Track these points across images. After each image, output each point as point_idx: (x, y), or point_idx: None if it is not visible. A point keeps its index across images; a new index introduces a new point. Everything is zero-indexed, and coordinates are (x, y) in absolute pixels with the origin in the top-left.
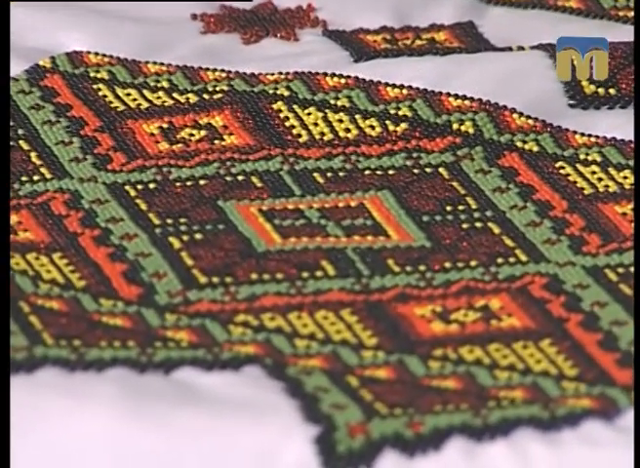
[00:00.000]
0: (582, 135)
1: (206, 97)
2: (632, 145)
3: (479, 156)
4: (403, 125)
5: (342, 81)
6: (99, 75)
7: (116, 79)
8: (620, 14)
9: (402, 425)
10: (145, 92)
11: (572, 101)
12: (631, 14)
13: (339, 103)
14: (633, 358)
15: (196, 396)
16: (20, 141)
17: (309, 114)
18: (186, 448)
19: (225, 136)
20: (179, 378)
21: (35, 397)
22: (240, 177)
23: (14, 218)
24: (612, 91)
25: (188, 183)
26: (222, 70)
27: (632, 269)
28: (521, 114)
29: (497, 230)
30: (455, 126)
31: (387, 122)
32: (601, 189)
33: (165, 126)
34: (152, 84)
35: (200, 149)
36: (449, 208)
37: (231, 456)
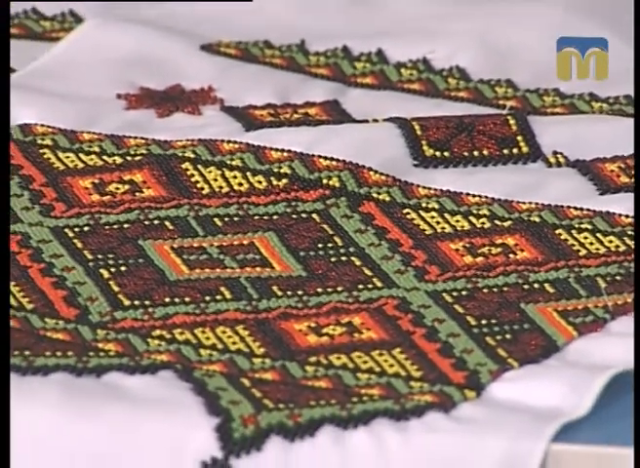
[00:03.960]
0: (424, 187)
1: (129, 158)
2: (462, 196)
3: (344, 204)
4: (284, 180)
5: (236, 146)
6: (44, 142)
7: (58, 145)
8: (452, 94)
9: (285, 416)
10: (81, 155)
11: (415, 162)
12: (460, 94)
13: (233, 163)
14: (467, 362)
15: (121, 394)
16: None
17: (210, 172)
18: (113, 435)
19: (144, 190)
20: (108, 381)
21: None
22: (156, 222)
23: None
24: (446, 154)
25: (115, 227)
26: (142, 138)
27: (464, 293)
28: (376, 172)
29: (358, 262)
30: (324, 181)
31: (272, 178)
32: (439, 230)
33: (96, 181)
34: (86, 149)
35: (124, 200)
36: (320, 245)
37: (149, 442)
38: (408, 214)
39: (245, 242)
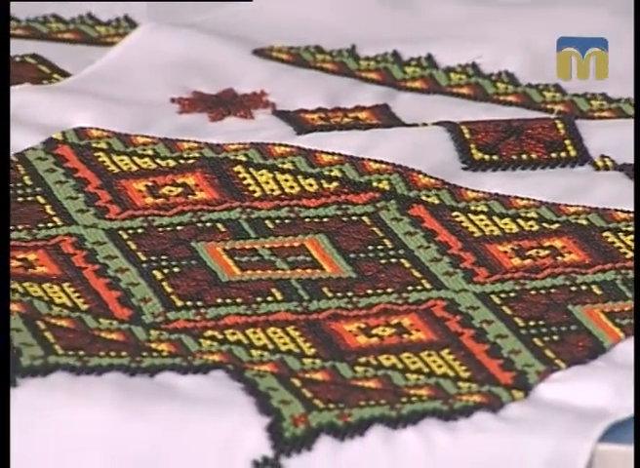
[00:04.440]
0: (473, 191)
1: (182, 162)
2: (510, 199)
3: (393, 207)
4: (334, 183)
5: (287, 149)
6: (99, 145)
7: (112, 148)
8: (500, 98)
9: (335, 416)
10: (135, 158)
11: (464, 165)
12: (509, 98)
13: (285, 167)
14: (515, 363)
15: (174, 394)
16: (38, 197)
17: (262, 175)
18: (166, 434)
19: (197, 192)
20: (160, 380)
21: (49, 395)
22: (208, 224)
23: (32, 256)
24: (495, 157)
25: (168, 229)
26: (194, 141)
27: (512, 294)
28: (425, 175)
29: (407, 264)
30: (374, 184)
31: (322, 181)
32: (487, 233)
33: (150, 184)
34: (140, 152)
35: (177, 202)
36: (370, 247)
37: (201, 441)
38: (457, 216)
39: (296, 244)
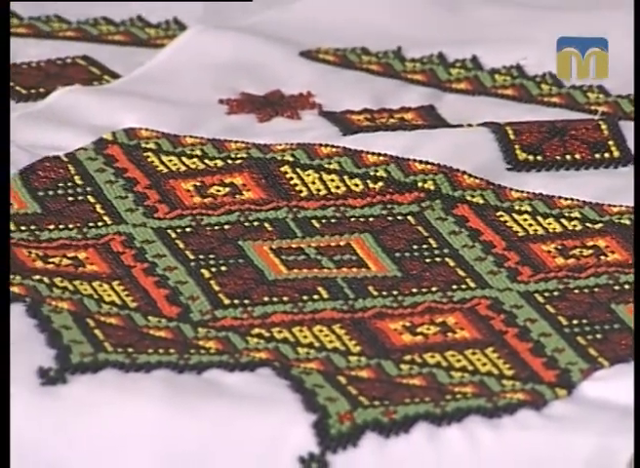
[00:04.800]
0: (517, 191)
1: (229, 162)
2: (554, 199)
3: (438, 207)
4: (380, 183)
5: (334, 150)
6: (148, 146)
7: (161, 149)
8: (545, 99)
9: (380, 413)
10: (183, 158)
11: (508, 166)
12: (553, 99)
13: (331, 167)
14: (558, 361)
15: (221, 391)
16: (88, 196)
17: (308, 175)
18: (213, 430)
19: (244, 192)
20: (208, 377)
21: (99, 391)
22: (255, 223)
23: (82, 255)
24: (539, 158)
25: (216, 228)
26: (242, 142)
27: (556, 293)
28: (470, 175)
29: (452, 263)
30: (419, 184)
31: (368, 181)
32: (531, 232)
33: (198, 184)
34: (189, 152)
35: (225, 202)
36: (415, 246)
37: (248, 438)
38: (501, 216)
39: (342, 243)
